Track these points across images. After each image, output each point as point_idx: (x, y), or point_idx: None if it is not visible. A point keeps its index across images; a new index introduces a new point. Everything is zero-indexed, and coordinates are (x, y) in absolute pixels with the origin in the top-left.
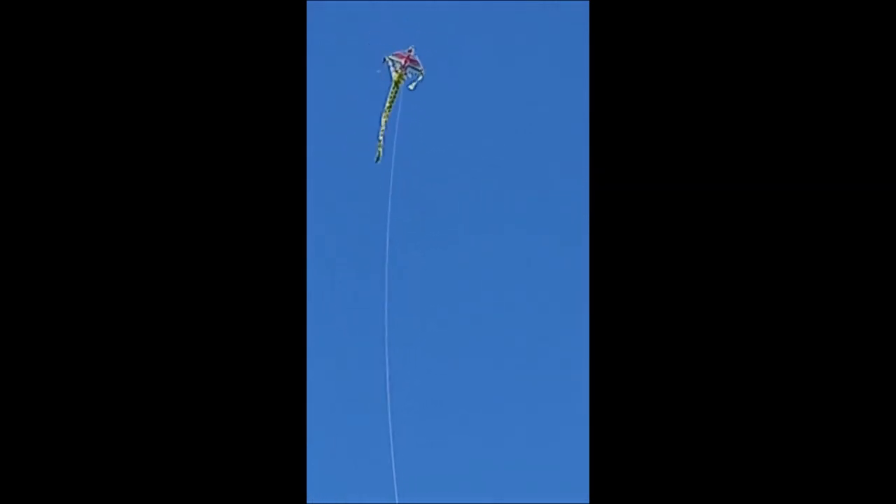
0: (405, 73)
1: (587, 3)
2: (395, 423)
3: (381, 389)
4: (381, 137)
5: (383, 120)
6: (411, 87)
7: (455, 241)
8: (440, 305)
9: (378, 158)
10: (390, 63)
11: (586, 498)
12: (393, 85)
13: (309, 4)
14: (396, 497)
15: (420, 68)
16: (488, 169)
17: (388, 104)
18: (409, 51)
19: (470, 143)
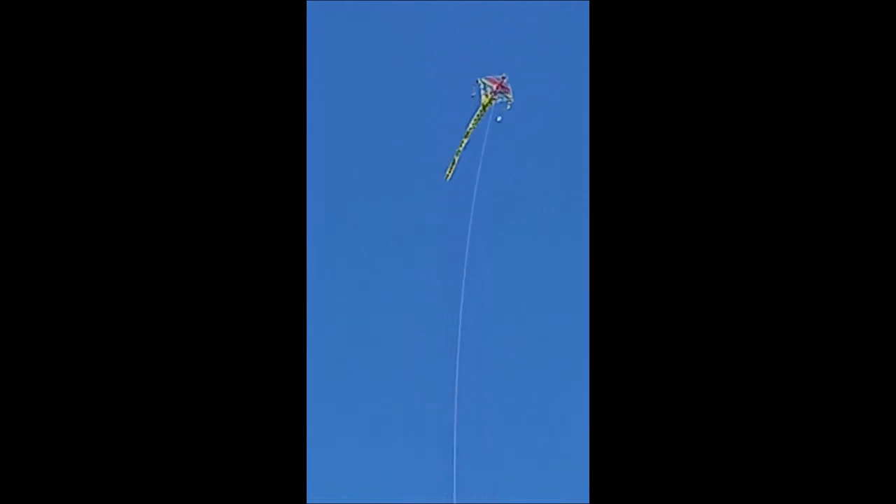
0: (495, 98)
1: (587, 3)
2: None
3: (380, 389)
4: (456, 157)
5: (463, 140)
6: (499, 119)
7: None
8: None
9: (448, 177)
10: (482, 86)
11: (586, 498)
12: (481, 107)
13: (309, 4)
14: (455, 497)
15: (510, 96)
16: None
17: (471, 124)
18: (503, 77)
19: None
